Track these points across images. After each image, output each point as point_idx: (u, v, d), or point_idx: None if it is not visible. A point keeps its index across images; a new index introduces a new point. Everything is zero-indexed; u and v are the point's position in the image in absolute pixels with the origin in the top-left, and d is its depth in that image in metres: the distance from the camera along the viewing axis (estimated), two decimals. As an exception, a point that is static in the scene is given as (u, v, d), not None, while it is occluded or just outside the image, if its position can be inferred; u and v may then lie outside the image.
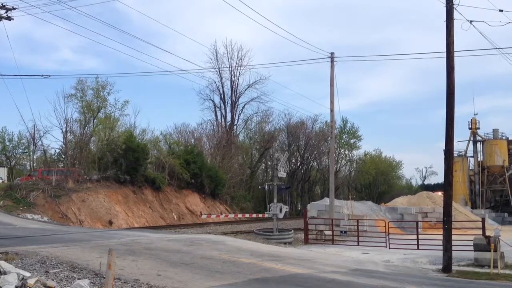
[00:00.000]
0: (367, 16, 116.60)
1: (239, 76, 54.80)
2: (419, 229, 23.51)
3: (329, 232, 24.01)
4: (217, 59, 53.98)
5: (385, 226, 22.56)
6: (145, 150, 34.63)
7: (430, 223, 33.04)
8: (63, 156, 36.26)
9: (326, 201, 31.88)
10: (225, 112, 55.09)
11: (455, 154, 48.93)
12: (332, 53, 27.78)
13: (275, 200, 23.40)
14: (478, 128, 58.89)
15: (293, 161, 60.94)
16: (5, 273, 7.82)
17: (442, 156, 17.45)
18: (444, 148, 16.54)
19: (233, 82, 54.85)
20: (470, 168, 59.48)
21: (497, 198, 57.84)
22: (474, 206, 53.65)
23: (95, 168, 33.01)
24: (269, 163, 54.97)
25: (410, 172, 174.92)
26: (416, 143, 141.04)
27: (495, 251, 14.96)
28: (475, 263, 16.01)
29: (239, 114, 56.21)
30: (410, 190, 78.71)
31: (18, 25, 78.88)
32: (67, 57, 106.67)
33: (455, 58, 15.76)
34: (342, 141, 69.73)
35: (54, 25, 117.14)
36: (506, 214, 51.69)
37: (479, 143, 58.96)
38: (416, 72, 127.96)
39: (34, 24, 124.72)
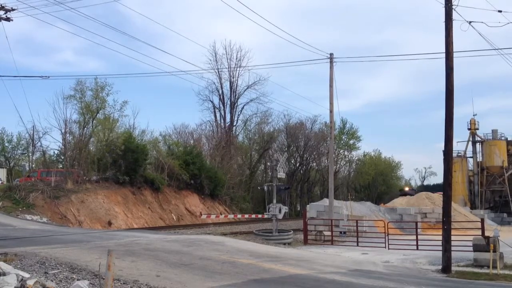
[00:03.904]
0: (366, 17, 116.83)
1: (238, 77, 54.88)
2: (419, 230, 23.52)
3: (329, 233, 24.01)
4: (216, 60, 54.05)
5: (384, 226, 22.57)
6: (144, 151, 34.60)
7: (430, 223, 33.03)
8: (62, 157, 36.23)
9: (325, 201, 31.87)
10: (224, 113, 55.15)
11: (454, 154, 49.03)
12: (331, 54, 27.79)
13: (275, 201, 23.39)
14: (477, 129, 58.97)
15: (292, 161, 60.92)
16: (4, 274, 7.81)
17: (441, 157, 17.45)
18: (443, 149, 16.55)
19: (232, 83, 54.92)
20: (469, 168, 59.55)
21: (496, 198, 57.92)
22: (473, 207, 53.70)
23: (94, 169, 32.97)
24: (268, 163, 54.90)
25: (409, 173, 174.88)
26: (415, 144, 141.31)
27: (494, 251, 14.96)
28: (474, 263, 16.01)
29: (238, 115, 56.31)
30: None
31: (19, 26, 78.74)
32: (69, 58, 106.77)
33: (454, 59, 15.78)
34: (342, 141, 69.73)
35: (55, 27, 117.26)
36: (505, 215, 51.77)
37: (478, 143, 59.04)
38: (415, 73, 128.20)
39: (36, 26, 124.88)
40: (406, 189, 61.41)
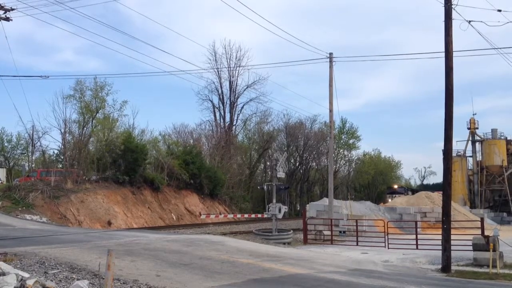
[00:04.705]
0: (366, 17, 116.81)
1: (237, 76, 54.90)
2: (418, 229, 23.51)
3: (328, 232, 24.01)
4: (215, 60, 54.08)
5: (384, 226, 22.57)
6: (144, 151, 34.58)
7: (429, 223, 33.04)
8: (62, 157, 36.17)
9: (325, 201, 31.87)
10: (224, 112, 55.15)
11: (454, 154, 49.00)
12: (330, 53, 27.77)
13: (274, 200, 23.38)
14: (477, 128, 58.99)
15: (292, 161, 60.92)
16: (4, 274, 7.80)
17: (441, 156, 17.48)
18: (443, 148, 16.57)
19: (232, 83, 54.91)
20: (469, 168, 59.57)
21: (496, 197, 57.93)
22: (473, 206, 53.70)
23: (94, 169, 32.95)
24: (268, 163, 54.98)
25: (409, 172, 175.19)
26: (415, 143, 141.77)
27: (494, 250, 14.96)
28: (474, 262, 16.01)
29: (238, 114, 56.31)
30: (409, 190, 78.85)
31: (19, 26, 78.99)
32: (69, 58, 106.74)
33: (454, 58, 15.80)
34: (341, 141, 69.75)
35: (55, 27, 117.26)
36: (505, 214, 51.76)
37: (478, 143, 59.05)
38: (415, 72, 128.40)
39: (35, 25, 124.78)
40: (395, 186, 60.71)
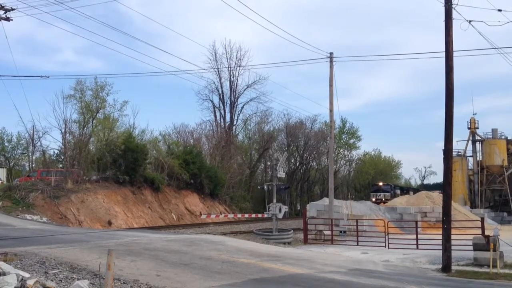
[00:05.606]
0: (366, 17, 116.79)
1: (238, 76, 54.96)
2: (419, 229, 23.51)
3: (329, 232, 24.01)
4: (216, 60, 54.13)
5: (384, 226, 22.58)
6: (144, 151, 34.59)
7: (430, 222, 33.04)
8: (62, 157, 36.22)
9: (325, 201, 31.87)
10: (224, 112, 55.20)
11: (454, 153, 49.06)
12: (331, 53, 27.75)
13: (275, 200, 23.38)
14: (477, 128, 58.98)
15: (292, 161, 60.95)
16: (4, 274, 7.80)
17: (441, 156, 17.48)
18: (443, 148, 16.57)
19: (232, 83, 54.95)
20: (469, 167, 59.57)
21: (496, 197, 57.94)
22: (473, 206, 53.70)
23: (94, 169, 32.97)
24: (268, 163, 54.95)
25: (409, 172, 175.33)
26: (415, 143, 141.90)
27: (494, 250, 14.95)
28: (474, 262, 16.00)
29: (238, 114, 56.37)
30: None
31: (19, 26, 78.93)
32: (69, 58, 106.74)
33: (454, 58, 15.77)
34: (342, 141, 69.78)
35: (55, 27, 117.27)
36: (505, 214, 51.79)
37: (478, 142, 59.05)
38: (415, 72, 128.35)
39: (36, 25, 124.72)
40: (380, 184, 58.74)
